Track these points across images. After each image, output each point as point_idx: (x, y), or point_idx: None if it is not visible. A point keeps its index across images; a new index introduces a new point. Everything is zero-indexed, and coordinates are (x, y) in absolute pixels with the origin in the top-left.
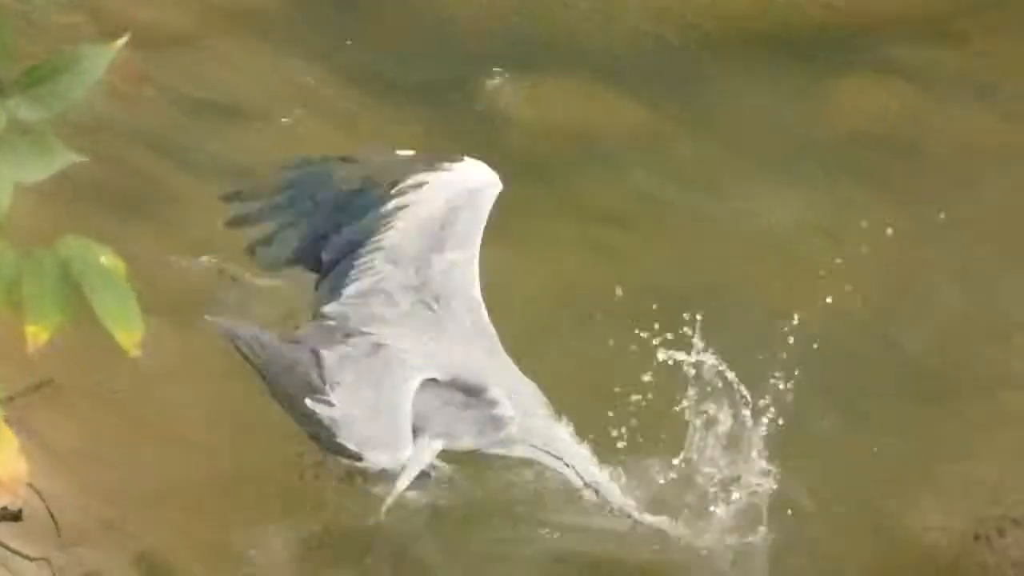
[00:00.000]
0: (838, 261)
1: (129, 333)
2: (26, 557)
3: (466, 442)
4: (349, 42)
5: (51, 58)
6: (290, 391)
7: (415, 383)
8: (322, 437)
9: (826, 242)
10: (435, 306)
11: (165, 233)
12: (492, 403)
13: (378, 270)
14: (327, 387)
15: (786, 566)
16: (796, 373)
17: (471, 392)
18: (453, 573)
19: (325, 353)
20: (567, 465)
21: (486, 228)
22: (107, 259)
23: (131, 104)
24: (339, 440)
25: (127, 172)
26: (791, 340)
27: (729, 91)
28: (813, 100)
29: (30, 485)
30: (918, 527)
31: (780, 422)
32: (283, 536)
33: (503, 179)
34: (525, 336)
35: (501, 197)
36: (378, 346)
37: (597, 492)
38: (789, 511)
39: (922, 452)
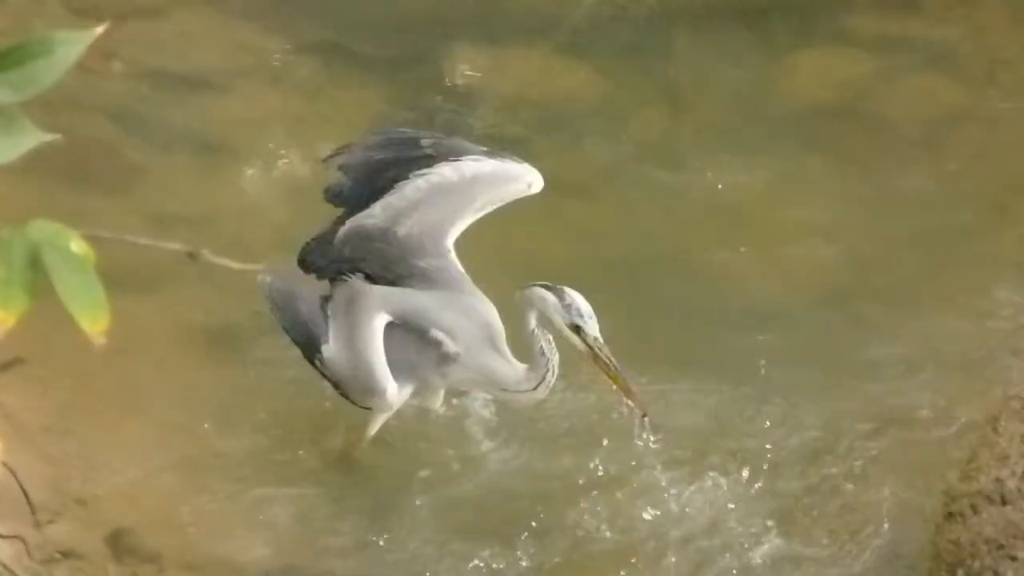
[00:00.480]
0: (799, 231)
1: (94, 321)
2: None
3: (433, 382)
4: (312, 16)
5: (26, 43)
6: (304, 345)
7: (380, 323)
8: (337, 388)
9: (787, 212)
10: (395, 248)
11: (131, 206)
12: (437, 343)
13: (374, 215)
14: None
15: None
16: (759, 341)
17: (418, 333)
18: None
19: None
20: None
21: None
22: (76, 245)
23: (98, 78)
24: (342, 390)
25: (93, 146)
26: (753, 310)
27: (690, 63)
28: (773, 71)
29: (3, 464)
30: (890, 505)
31: (741, 397)
32: (257, 510)
33: None
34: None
35: None
36: (351, 290)
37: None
38: (758, 484)
39: (890, 425)
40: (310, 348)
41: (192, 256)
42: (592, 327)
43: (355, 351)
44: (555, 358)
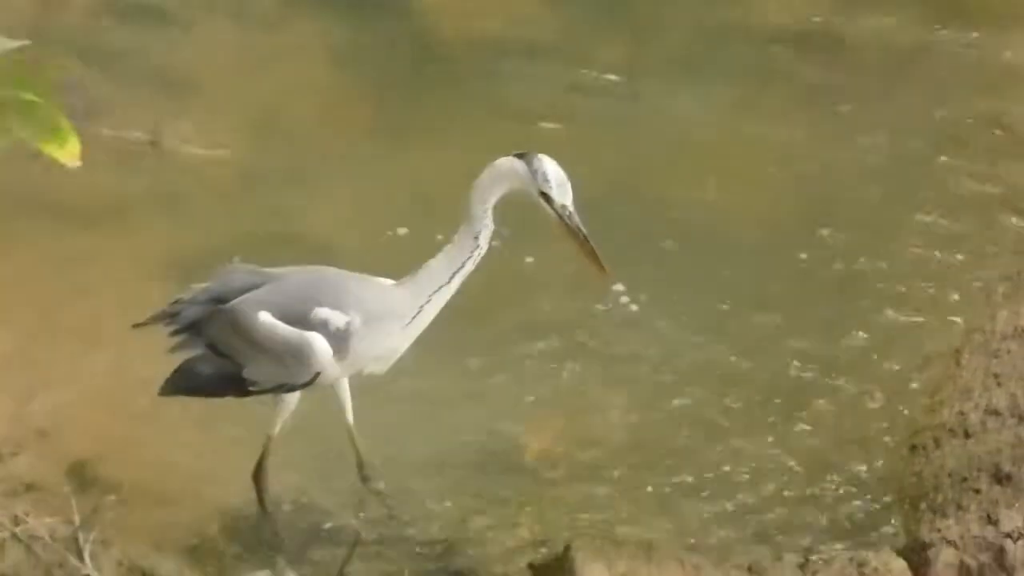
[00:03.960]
0: (760, 161)
1: (66, 149)
2: None
3: (353, 358)
4: None
5: None
6: (232, 388)
7: (267, 316)
8: (282, 388)
9: (748, 143)
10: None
11: (93, 139)
12: (322, 322)
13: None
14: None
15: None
16: (720, 271)
17: (302, 323)
18: None
19: None
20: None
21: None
22: (33, 96)
23: (59, 13)
24: (285, 385)
25: (58, 80)
26: (715, 240)
27: None
28: (734, 2)
29: None
30: (852, 438)
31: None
32: (219, 441)
33: (427, 87)
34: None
35: (425, 101)
36: (225, 317)
37: None
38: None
39: (851, 358)
40: (236, 384)
41: (155, 144)
42: (560, 194)
43: (266, 343)
44: (483, 245)
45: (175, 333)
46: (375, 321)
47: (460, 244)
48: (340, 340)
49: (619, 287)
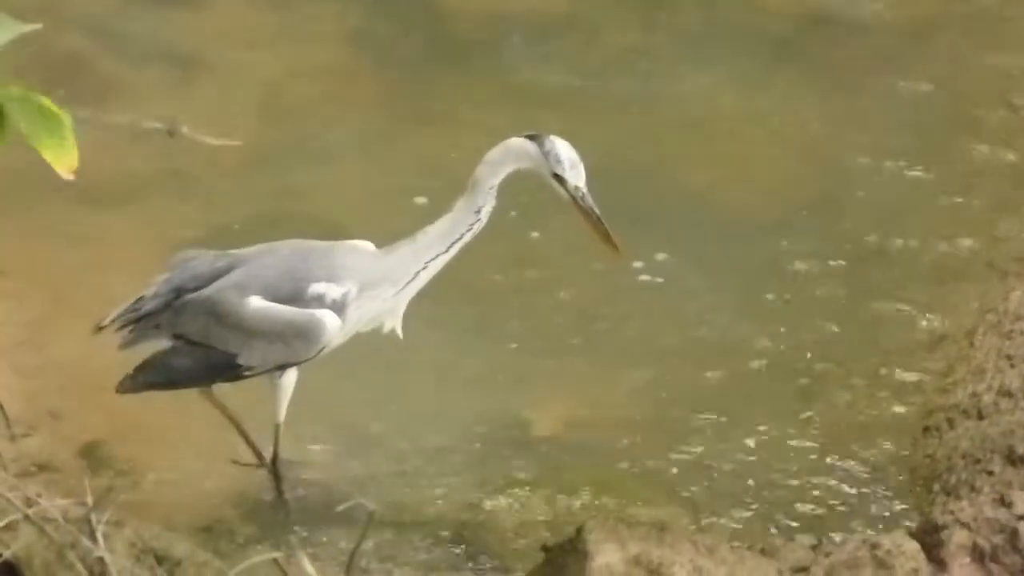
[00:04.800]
0: (772, 142)
1: (60, 158)
2: None
3: (357, 319)
4: None
5: None
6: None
7: (257, 301)
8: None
9: (759, 123)
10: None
11: (105, 121)
12: (318, 297)
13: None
14: None
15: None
16: (735, 253)
17: (297, 300)
18: None
19: None
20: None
21: (412, 109)
22: (47, 101)
23: None
24: (287, 364)
25: (67, 59)
26: (726, 223)
27: None
28: None
29: None
30: (865, 419)
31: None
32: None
33: (438, 65)
34: None
35: (437, 80)
36: (203, 303)
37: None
38: (737, 404)
39: (864, 338)
40: (225, 371)
41: (171, 133)
42: (574, 176)
43: (262, 327)
44: (484, 219)
45: (128, 326)
46: (370, 288)
47: (462, 215)
48: (339, 311)
49: (637, 264)
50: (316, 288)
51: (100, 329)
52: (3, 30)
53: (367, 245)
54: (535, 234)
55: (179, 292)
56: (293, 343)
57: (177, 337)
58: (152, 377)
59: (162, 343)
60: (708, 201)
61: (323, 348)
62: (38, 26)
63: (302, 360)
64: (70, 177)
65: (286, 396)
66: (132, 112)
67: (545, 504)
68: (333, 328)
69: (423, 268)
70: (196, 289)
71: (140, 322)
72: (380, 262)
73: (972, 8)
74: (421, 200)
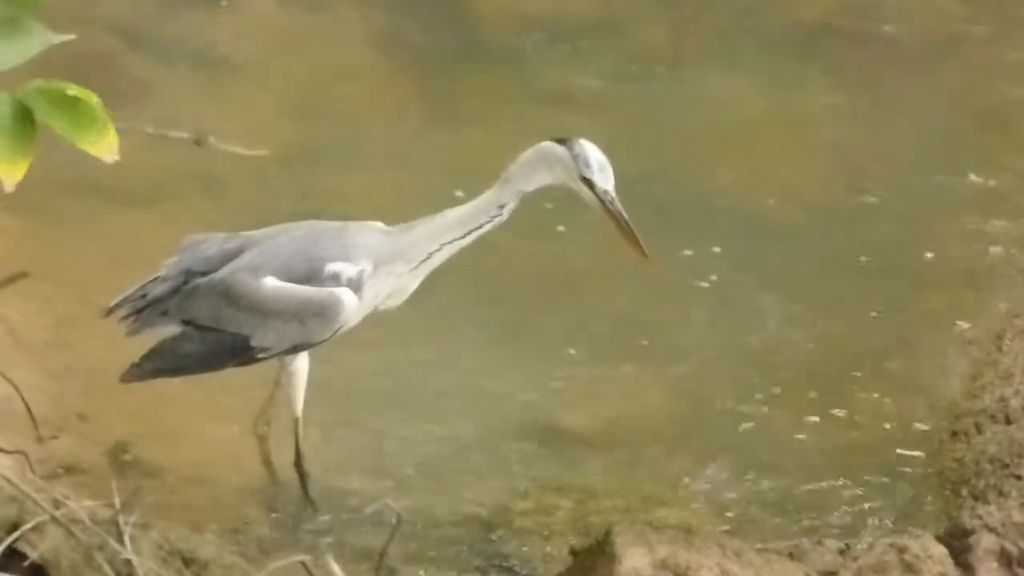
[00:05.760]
0: (800, 147)
1: (102, 145)
2: (2, 451)
3: (372, 297)
4: None
5: None
6: (238, 356)
7: (271, 280)
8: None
9: (788, 128)
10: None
11: (135, 122)
12: (334, 276)
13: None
14: None
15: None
16: (762, 255)
17: (313, 280)
18: None
19: None
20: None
21: (440, 111)
22: (75, 90)
23: None
24: (300, 345)
25: (96, 60)
26: (754, 226)
27: None
28: None
29: (6, 378)
30: (894, 424)
31: (737, 311)
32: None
33: (467, 67)
34: None
35: (466, 83)
36: (216, 286)
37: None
38: (764, 408)
39: (891, 343)
40: (238, 354)
41: (199, 143)
42: (603, 179)
43: (278, 306)
44: (505, 216)
45: (134, 314)
46: (384, 265)
47: (485, 205)
48: (355, 289)
49: (668, 266)
50: (332, 267)
51: (109, 312)
52: (35, 39)
53: (378, 224)
54: (563, 230)
55: (188, 276)
56: (310, 322)
57: (186, 322)
58: (161, 364)
59: (170, 329)
60: (736, 203)
61: (339, 328)
62: (71, 36)
63: (317, 341)
64: (115, 158)
65: (301, 384)
66: (162, 113)
67: (573, 507)
68: (351, 306)
69: (438, 249)
70: (205, 273)
71: (146, 309)
72: (395, 239)
73: (1001, 13)
74: (451, 202)
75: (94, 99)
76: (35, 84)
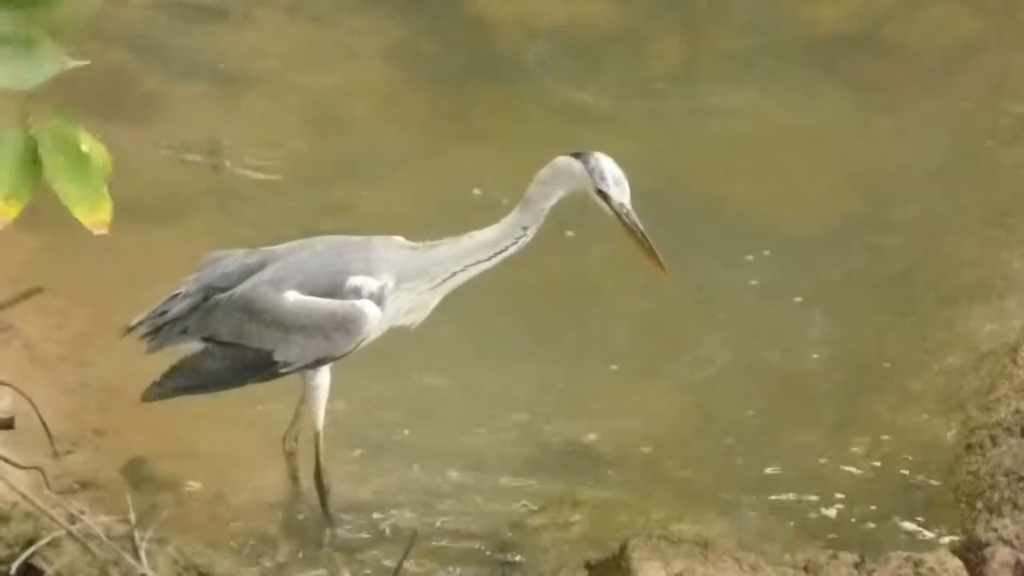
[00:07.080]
0: (816, 161)
1: (92, 211)
2: (18, 466)
3: (394, 312)
4: None
5: None
6: (260, 372)
7: (293, 295)
8: (320, 364)
9: (805, 142)
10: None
11: (150, 135)
12: (356, 290)
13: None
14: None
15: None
16: (778, 270)
17: (335, 294)
18: None
19: None
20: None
21: (455, 124)
22: (88, 144)
23: (116, 8)
24: (322, 358)
25: (112, 75)
26: (770, 240)
27: None
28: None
29: (22, 394)
30: (909, 437)
31: (754, 326)
32: (276, 436)
33: (480, 81)
34: None
35: (480, 97)
36: (236, 301)
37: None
38: (779, 421)
39: (906, 357)
40: (260, 370)
41: (215, 167)
42: (618, 192)
43: (301, 320)
44: (529, 236)
45: (154, 331)
46: (406, 281)
47: (509, 228)
48: (377, 303)
49: (684, 279)
50: (354, 281)
51: (129, 331)
52: (49, 64)
53: (400, 239)
54: (576, 238)
55: (208, 292)
56: (333, 336)
57: (207, 339)
58: (183, 382)
59: (190, 346)
60: (752, 216)
61: (362, 340)
62: (85, 63)
63: (340, 355)
64: (102, 231)
65: (322, 398)
66: (176, 127)
67: (588, 520)
68: (374, 319)
69: (461, 270)
70: (226, 289)
71: (165, 327)
72: (419, 256)
73: (1017, 28)
74: (467, 213)
75: (103, 158)
76: (51, 124)
